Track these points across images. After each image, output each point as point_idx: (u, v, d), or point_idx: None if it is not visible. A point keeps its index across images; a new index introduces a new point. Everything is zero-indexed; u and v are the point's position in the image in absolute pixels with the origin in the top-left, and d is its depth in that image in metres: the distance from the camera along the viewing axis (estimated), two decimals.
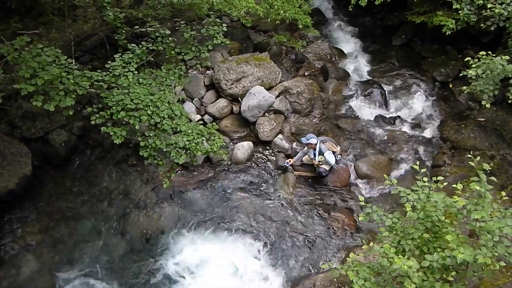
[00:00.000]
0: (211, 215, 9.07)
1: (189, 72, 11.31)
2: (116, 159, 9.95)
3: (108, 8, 10.15)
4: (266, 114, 10.94)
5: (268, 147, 10.58)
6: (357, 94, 12.47)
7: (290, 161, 9.90)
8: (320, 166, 9.63)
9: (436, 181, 5.30)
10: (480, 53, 8.80)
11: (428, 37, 13.31)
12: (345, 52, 14.19)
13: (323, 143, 9.60)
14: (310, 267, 8.26)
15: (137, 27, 11.14)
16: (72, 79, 7.44)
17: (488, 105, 9.27)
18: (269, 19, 11.81)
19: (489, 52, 8.83)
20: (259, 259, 8.35)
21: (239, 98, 11.05)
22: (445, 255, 4.66)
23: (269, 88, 11.28)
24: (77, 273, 7.94)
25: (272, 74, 11.51)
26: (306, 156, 9.93)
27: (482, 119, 10.98)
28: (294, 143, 10.61)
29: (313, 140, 9.47)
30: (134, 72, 8.66)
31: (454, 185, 5.12)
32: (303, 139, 9.61)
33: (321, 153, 9.51)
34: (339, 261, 8.17)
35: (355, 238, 8.78)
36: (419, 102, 12.25)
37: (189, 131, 8.27)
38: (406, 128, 11.57)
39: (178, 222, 8.91)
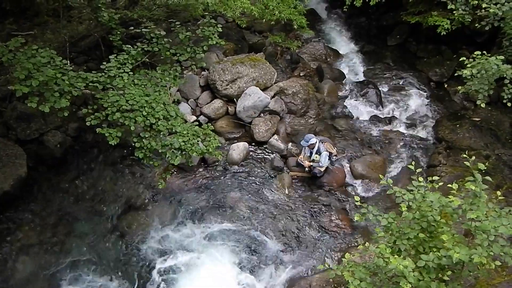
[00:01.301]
0: (206, 215, 9.05)
1: (184, 73, 11.28)
2: (111, 160, 9.92)
3: (103, 9, 10.11)
4: (262, 114, 10.93)
5: (263, 148, 10.59)
6: (353, 94, 12.49)
7: (301, 158, 9.80)
8: (313, 168, 9.60)
9: (432, 181, 5.29)
10: (475, 53, 8.82)
11: (423, 37, 13.37)
12: (340, 52, 14.23)
13: (322, 143, 9.61)
14: (306, 268, 8.26)
15: (132, 28, 11.09)
16: (67, 80, 7.42)
17: (483, 105, 9.28)
18: (264, 20, 11.83)
19: (484, 52, 8.86)
20: (255, 259, 8.34)
21: (235, 99, 11.04)
22: (440, 254, 4.66)
23: (264, 89, 11.28)
24: (73, 273, 7.92)
25: (267, 74, 11.51)
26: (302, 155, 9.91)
27: (477, 119, 11.02)
28: (290, 144, 10.59)
29: (313, 140, 9.47)
30: (129, 73, 8.63)
31: (450, 185, 5.11)
32: (303, 143, 9.59)
33: (318, 152, 9.52)
34: (335, 262, 8.17)
35: (350, 238, 8.79)
36: (414, 102, 12.29)
37: (185, 132, 8.25)
38: (401, 128, 11.60)
39: (173, 222, 8.90)
